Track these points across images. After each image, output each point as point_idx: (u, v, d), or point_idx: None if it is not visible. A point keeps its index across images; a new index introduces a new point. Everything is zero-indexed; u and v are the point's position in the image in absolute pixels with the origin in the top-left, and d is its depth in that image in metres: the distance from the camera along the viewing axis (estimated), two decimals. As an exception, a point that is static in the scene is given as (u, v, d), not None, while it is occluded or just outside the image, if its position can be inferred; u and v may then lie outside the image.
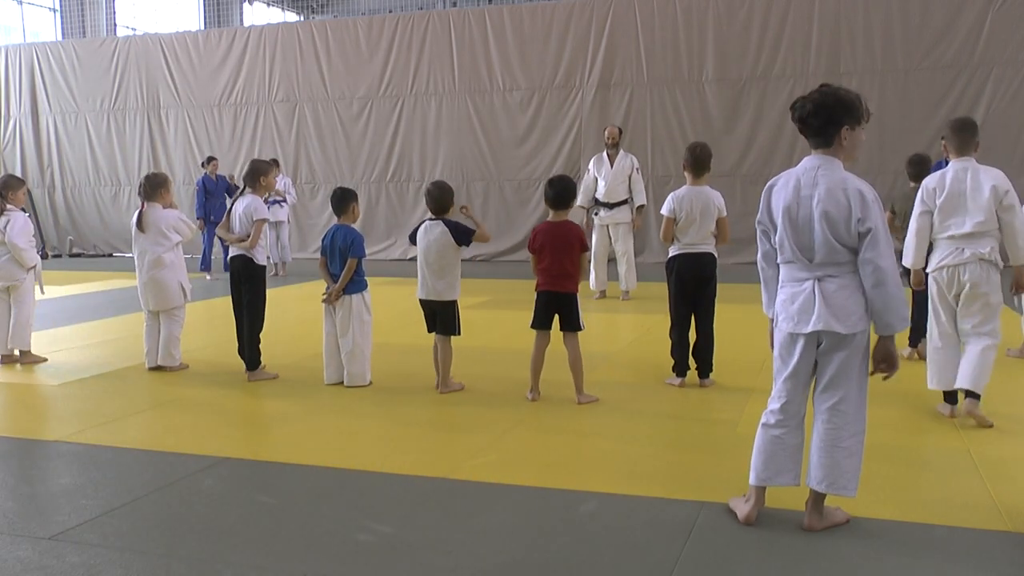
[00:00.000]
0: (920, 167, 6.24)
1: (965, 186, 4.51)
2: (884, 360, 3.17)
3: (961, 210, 4.51)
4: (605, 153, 9.34)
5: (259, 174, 5.98)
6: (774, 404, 3.30)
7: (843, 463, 3.17)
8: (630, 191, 9.29)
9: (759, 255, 3.36)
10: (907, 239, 4.77)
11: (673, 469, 3.96)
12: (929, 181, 4.65)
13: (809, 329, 3.13)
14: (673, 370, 5.52)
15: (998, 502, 3.47)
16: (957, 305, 4.60)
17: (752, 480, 3.31)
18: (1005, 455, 4.09)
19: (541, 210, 13.72)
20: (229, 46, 15.42)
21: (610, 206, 9.26)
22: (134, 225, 6.14)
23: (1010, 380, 5.60)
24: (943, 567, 2.94)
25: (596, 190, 9.31)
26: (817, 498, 3.23)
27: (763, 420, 3.32)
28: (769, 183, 3.30)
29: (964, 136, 4.59)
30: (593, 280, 9.38)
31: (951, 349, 4.66)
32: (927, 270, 4.68)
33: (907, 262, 4.79)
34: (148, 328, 6.18)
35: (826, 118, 3.13)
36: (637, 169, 9.37)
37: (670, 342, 5.55)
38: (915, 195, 6.05)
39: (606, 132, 9.46)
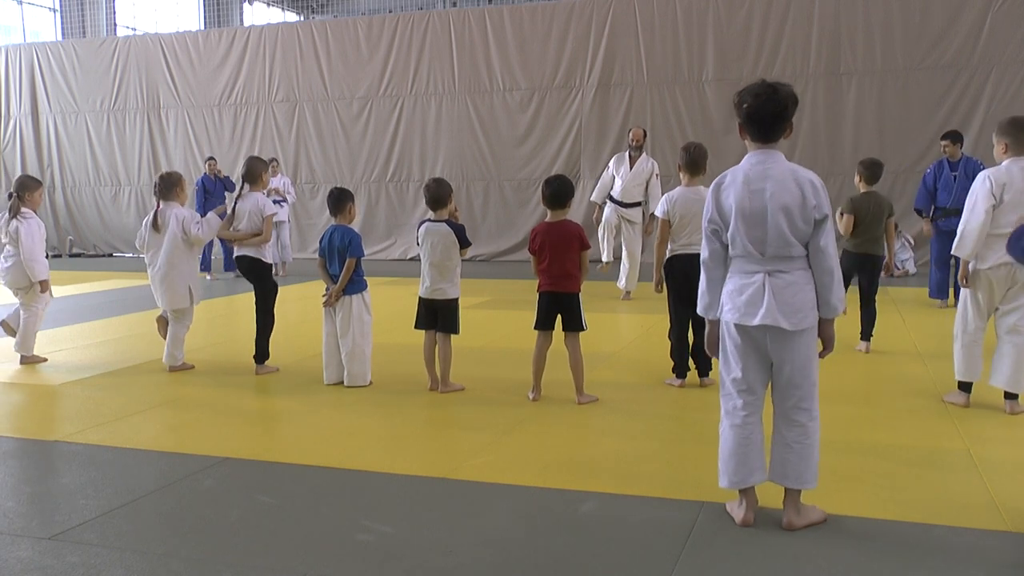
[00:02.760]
0: (876, 170, 6.34)
1: None
2: (826, 341, 3.27)
3: (1022, 208, 4.58)
4: (628, 154, 9.30)
5: (259, 172, 6.04)
6: (736, 401, 3.28)
7: (807, 459, 3.21)
8: (646, 195, 9.27)
9: (705, 255, 3.34)
10: (968, 231, 4.70)
11: (673, 469, 3.96)
12: (997, 176, 4.63)
13: (756, 322, 3.15)
14: (673, 371, 5.52)
15: (998, 502, 3.47)
16: (1000, 300, 4.74)
17: (726, 484, 3.31)
18: (1005, 455, 4.09)
19: (541, 210, 13.65)
20: (229, 46, 15.42)
21: (624, 206, 9.25)
22: (149, 225, 6.09)
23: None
24: (943, 567, 2.94)
25: (612, 188, 9.29)
26: (792, 495, 3.24)
27: (730, 421, 3.29)
28: (715, 182, 3.30)
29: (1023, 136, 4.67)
30: (604, 252, 9.45)
31: (981, 343, 4.80)
32: (982, 267, 4.71)
33: (963, 253, 4.75)
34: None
35: (786, 117, 3.18)
36: (657, 175, 9.27)
37: (670, 344, 5.56)
38: (878, 199, 6.17)
39: (630, 134, 9.36)
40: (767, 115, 3.15)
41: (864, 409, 4.90)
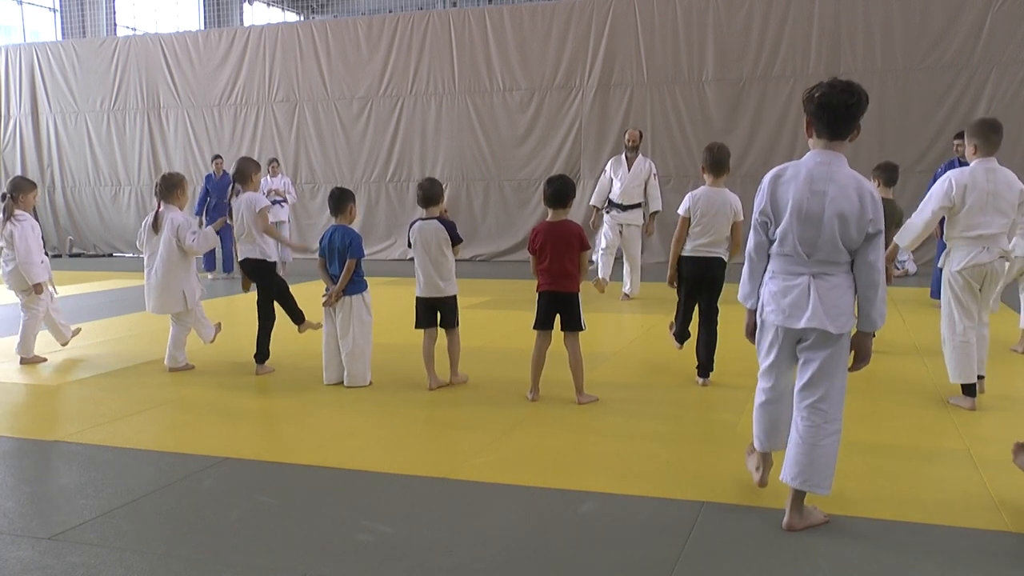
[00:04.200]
0: (893, 174, 6.31)
1: (995, 187, 4.63)
2: (862, 355, 3.25)
3: (990, 210, 4.63)
4: (624, 155, 9.27)
5: (250, 172, 6.03)
6: (765, 383, 3.40)
7: (819, 461, 3.19)
8: (645, 195, 9.26)
9: (751, 245, 3.31)
10: (913, 225, 4.82)
11: (673, 469, 3.96)
12: (959, 178, 4.66)
13: (801, 325, 3.14)
14: (674, 336, 5.71)
15: (998, 502, 3.47)
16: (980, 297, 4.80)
17: (759, 448, 3.49)
18: (1005, 455, 4.07)
19: (541, 210, 13.72)
20: (229, 46, 15.43)
21: (623, 208, 9.22)
22: (148, 226, 6.06)
23: (1012, 378, 5.61)
24: (943, 567, 2.94)
25: (611, 191, 9.27)
26: (797, 497, 3.24)
27: (759, 399, 3.44)
28: (773, 173, 3.22)
29: (995, 138, 4.70)
30: (600, 268, 9.30)
31: (973, 343, 4.78)
32: (955, 268, 4.75)
33: (903, 243, 4.89)
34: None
35: (858, 112, 3.10)
36: (655, 174, 9.27)
37: (671, 337, 5.73)
38: (890, 208, 6.11)
39: (626, 135, 9.37)
40: (840, 106, 3.06)
41: (864, 409, 4.89)
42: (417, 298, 5.50)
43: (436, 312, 5.48)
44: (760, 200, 3.23)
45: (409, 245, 5.54)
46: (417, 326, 5.51)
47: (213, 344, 6.52)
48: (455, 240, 5.40)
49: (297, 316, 6.22)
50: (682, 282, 5.49)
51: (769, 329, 3.29)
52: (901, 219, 6.25)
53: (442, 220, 5.41)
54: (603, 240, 9.33)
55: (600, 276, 9.16)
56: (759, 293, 3.32)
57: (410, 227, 5.50)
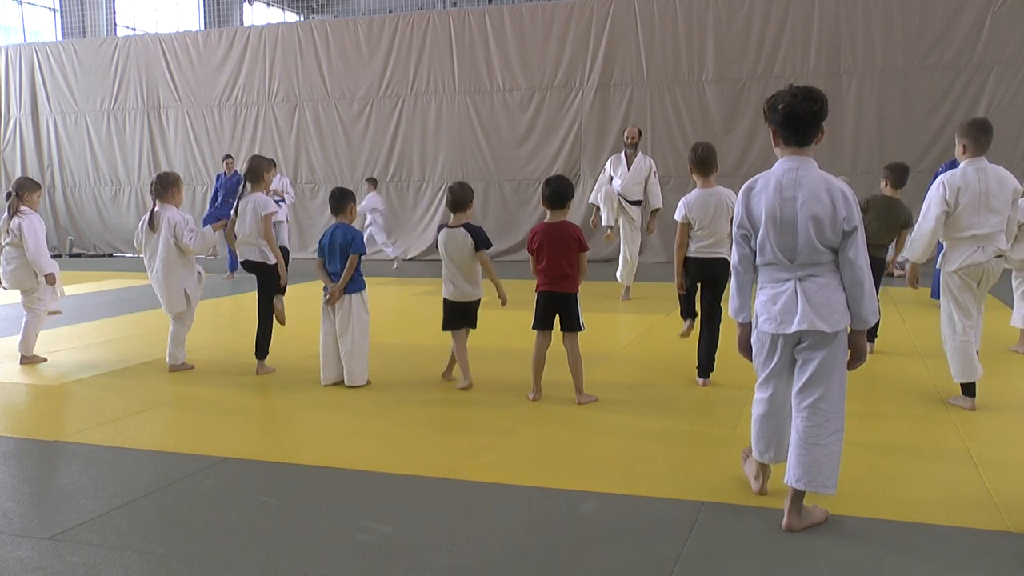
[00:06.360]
0: (900, 174, 6.26)
1: (987, 186, 4.62)
2: (858, 354, 3.25)
3: (983, 209, 4.62)
4: (623, 153, 9.23)
5: (261, 171, 6.01)
6: (762, 394, 3.39)
7: (823, 461, 3.19)
8: (646, 193, 9.25)
9: (735, 259, 3.34)
10: (919, 236, 4.80)
11: (673, 469, 3.96)
12: (952, 181, 4.66)
13: (793, 329, 3.15)
14: (682, 316, 5.65)
15: (998, 502, 3.47)
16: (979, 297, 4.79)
17: (756, 457, 3.49)
18: (1005, 455, 4.09)
19: (541, 210, 13.59)
20: (229, 46, 15.43)
21: (625, 203, 9.21)
22: (145, 226, 6.06)
23: (1011, 378, 5.61)
24: (943, 567, 2.94)
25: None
26: (796, 497, 3.24)
27: (757, 410, 3.44)
28: (746, 186, 3.29)
29: (984, 138, 4.70)
30: (604, 217, 9.09)
31: (973, 342, 4.77)
32: (950, 269, 4.75)
33: (913, 257, 4.86)
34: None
35: (821, 117, 3.15)
36: (655, 172, 9.22)
37: (678, 333, 5.71)
38: (892, 205, 6.08)
39: (626, 133, 9.32)
40: (805, 113, 3.11)
41: (864, 409, 4.89)
42: (445, 300, 5.54)
43: (465, 313, 5.53)
44: (737, 214, 3.31)
45: (437, 247, 5.58)
46: (444, 328, 5.56)
47: (213, 344, 6.52)
48: (481, 245, 5.38)
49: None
50: (687, 281, 5.48)
51: (765, 340, 3.29)
52: (909, 219, 6.24)
53: (468, 226, 5.41)
54: (604, 197, 9.09)
55: (605, 224, 9.02)
56: (751, 306, 3.34)
57: (438, 231, 5.54)
